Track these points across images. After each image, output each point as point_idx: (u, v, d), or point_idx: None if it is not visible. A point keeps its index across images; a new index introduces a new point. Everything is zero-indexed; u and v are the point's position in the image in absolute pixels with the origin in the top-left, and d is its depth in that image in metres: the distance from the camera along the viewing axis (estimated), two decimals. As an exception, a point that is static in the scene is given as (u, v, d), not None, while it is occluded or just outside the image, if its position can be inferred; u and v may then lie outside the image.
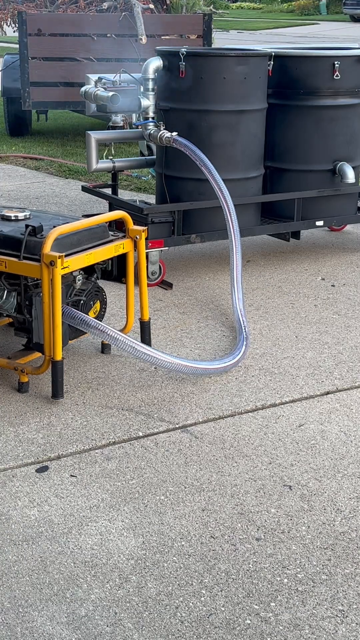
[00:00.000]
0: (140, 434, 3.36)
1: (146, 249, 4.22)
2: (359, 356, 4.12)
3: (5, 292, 3.70)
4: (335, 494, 2.98)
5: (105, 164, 5.44)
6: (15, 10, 10.01)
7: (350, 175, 5.31)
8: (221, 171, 4.75)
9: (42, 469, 3.11)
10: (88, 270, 3.88)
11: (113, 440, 3.31)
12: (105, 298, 3.96)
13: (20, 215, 3.84)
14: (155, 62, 5.08)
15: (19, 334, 3.82)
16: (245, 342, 4.06)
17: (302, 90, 5.28)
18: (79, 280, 3.79)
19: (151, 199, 6.37)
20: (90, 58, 9.02)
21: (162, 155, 5.17)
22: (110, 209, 5.31)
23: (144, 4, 9.45)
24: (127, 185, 7.55)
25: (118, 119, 5.45)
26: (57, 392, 3.55)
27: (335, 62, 5.20)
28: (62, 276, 3.48)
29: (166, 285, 5.07)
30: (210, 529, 2.78)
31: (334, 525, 2.81)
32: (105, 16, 9.30)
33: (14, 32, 9.58)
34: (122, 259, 4.02)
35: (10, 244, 3.60)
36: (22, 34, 8.77)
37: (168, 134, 4.87)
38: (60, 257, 3.42)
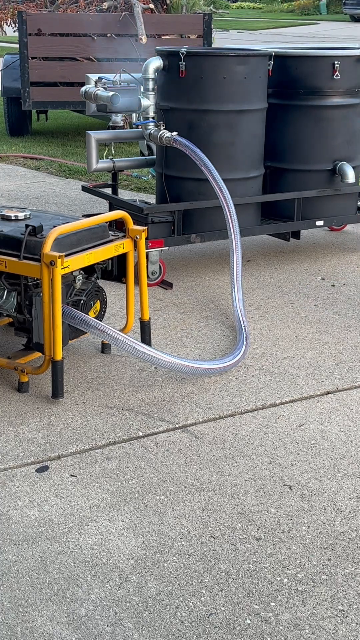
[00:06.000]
0: (140, 434, 3.36)
1: (146, 248, 4.22)
2: (359, 356, 4.12)
3: (6, 292, 3.70)
4: (335, 494, 2.98)
5: (105, 163, 5.44)
6: (15, 10, 10.00)
7: (350, 175, 5.31)
8: (221, 171, 4.75)
9: (42, 469, 3.11)
10: (88, 270, 3.88)
11: (113, 440, 3.31)
12: (105, 298, 3.96)
13: (20, 215, 3.84)
14: (155, 62, 5.08)
15: (19, 334, 3.82)
16: (245, 342, 4.06)
17: (302, 90, 5.29)
18: (79, 280, 3.79)
19: (151, 199, 6.38)
20: (90, 58, 9.02)
21: (162, 155, 5.17)
22: (110, 209, 5.31)
23: (144, 4, 9.44)
24: (127, 185, 7.55)
25: (118, 119, 5.45)
26: (57, 392, 3.55)
27: (335, 62, 5.20)
28: (62, 276, 3.48)
29: (166, 285, 5.06)
30: (210, 529, 2.78)
31: (334, 525, 2.81)
32: (105, 16, 9.30)
33: (14, 32, 9.58)
34: (122, 259, 4.02)
35: (10, 243, 3.60)
36: (22, 34, 8.78)
37: (168, 134, 4.87)
38: (60, 257, 3.42)
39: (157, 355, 3.64)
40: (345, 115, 5.37)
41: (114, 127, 5.47)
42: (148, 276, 4.72)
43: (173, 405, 3.60)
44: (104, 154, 5.71)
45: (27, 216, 3.86)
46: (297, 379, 3.87)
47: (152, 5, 9.77)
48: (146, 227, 4.09)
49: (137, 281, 4.02)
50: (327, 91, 5.29)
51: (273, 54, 5.17)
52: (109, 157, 5.52)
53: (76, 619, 2.37)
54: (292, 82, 5.29)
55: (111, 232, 3.97)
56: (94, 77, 5.40)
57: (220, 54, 5.03)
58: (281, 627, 2.35)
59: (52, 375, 3.53)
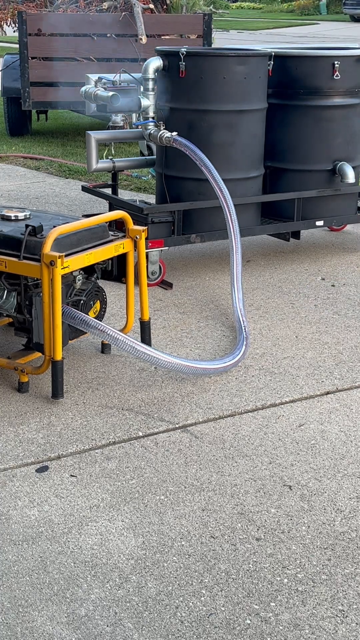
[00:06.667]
0: (140, 434, 3.36)
1: (146, 248, 4.22)
2: (359, 356, 4.12)
3: (5, 292, 3.70)
4: (335, 494, 2.98)
5: (105, 164, 5.44)
6: (15, 10, 10.00)
7: (350, 175, 5.31)
8: (221, 171, 4.75)
9: (42, 469, 3.11)
10: (88, 270, 3.88)
11: (113, 440, 3.31)
12: (105, 298, 3.96)
13: (20, 215, 3.84)
14: (155, 62, 5.08)
15: (19, 334, 3.82)
16: (245, 342, 4.06)
17: (302, 90, 5.29)
18: (79, 280, 3.79)
19: (151, 199, 6.37)
20: (90, 58, 9.02)
21: (162, 155, 5.17)
22: (110, 209, 5.31)
23: (144, 4, 9.44)
24: (127, 185, 7.55)
25: (118, 119, 5.45)
26: (57, 392, 3.55)
27: (335, 62, 5.20)
28: (62, 276, 3.48)
29: (166, 285, 5.06)
30: (210, 529, 2.78)
31: (334, 525, 2.81)
32: (105, 16, 9.29)
33: (14, 32, 9.59)
34: (122, 259, 4.02)
35: (10, 244, 3.60)
36: (22, 34, 8.78)
37: (168, 134, 4.87)
38: (60, 257, 3.42)
39: (157, 355, 3.64)
40: (345, 115, 5.37)
41: (114, 127, 5.47)
42: (148, 276, 4.72)
43: (173, 405, 3.60)
44: (104, 154, 5.71)
45: (27, 216, 3.86)
46: (297, 379, 3.87)
47: (152, 5, 9.77)
48: (146, 227, 4.09)
49: (137, 281, 4.02)
50: (327, 91, 5.29)
51: (273, 54, 5.17)
52: (109, 157, 5.52)
53: (76, 619, 2.37)
54: (292, 82, 5.29)
55: (111, 232, 3.97)
56: (94, 77, 5.40)
57: (220, 54, 5.03)
58: (281, 627, 2.35)
59: (52, 375, 3.53)
